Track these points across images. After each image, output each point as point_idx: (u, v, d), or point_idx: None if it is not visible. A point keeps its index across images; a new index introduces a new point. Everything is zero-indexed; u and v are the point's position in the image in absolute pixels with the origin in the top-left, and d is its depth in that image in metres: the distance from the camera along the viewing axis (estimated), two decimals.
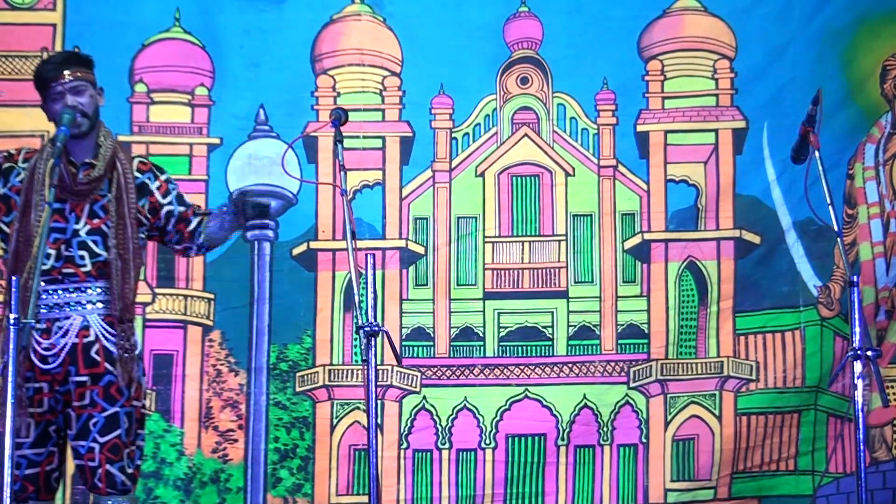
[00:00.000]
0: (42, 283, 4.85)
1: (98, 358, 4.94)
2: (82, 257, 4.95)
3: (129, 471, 4.97)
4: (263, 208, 5.19)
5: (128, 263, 4.97)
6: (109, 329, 4.96)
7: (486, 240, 7.23)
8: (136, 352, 5.03)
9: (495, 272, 7.21)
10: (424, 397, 7.09)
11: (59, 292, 4.93)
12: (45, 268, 4.87)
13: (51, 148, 4.91)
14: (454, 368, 7.13)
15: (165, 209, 5.16)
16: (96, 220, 4.99)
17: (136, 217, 5.04)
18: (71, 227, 4.95)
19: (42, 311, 4.89)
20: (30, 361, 4.85)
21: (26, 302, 4.51)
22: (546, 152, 7.28)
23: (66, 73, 4.97)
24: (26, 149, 5.13)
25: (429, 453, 7.08)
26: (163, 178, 5.19)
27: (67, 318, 4.94)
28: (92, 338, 4.95)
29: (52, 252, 4.91)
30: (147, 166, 5.19)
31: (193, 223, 5.23)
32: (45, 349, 4.90)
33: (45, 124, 6.55)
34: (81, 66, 5.04)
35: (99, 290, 4.97)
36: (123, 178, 5.03)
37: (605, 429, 7.10)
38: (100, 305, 4.97)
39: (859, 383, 5.20)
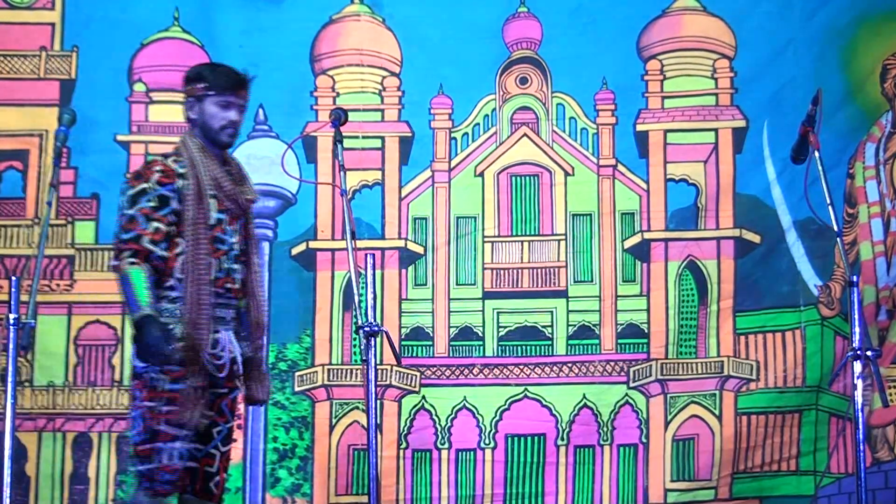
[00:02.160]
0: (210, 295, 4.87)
1: (239, 372, 4.99)
2: (235, 271, 4.97)
3: None
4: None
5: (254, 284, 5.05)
6: (239, 345, 5.00)
7: (486, 239, 7.22)
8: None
9: (495, 272, 7.21)
10: (424, 397, 7.09)
11: (222, 307, 4.92)
12: (210, 278, 4.86)
13: (199, 153, 4.89)
14: (453, 368, 7.12)
15: None
16: (238, 237, 5.00)
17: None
18: (229, 241, 4.96)
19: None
20: (209, 371, 4.86)
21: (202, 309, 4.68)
22: (545, 152, 7.28)
23: (246, 93, 5.03)
24: (162, 161, 4.95)
25: (428, 453, 7.07)
26: None
27: (219, 332, 4.92)
28: (236, 353, 4.96)
29: (214, 262, 4.89)
30: None
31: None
32: (217, 359, 4.89)
33: (42, 123, 6.54)
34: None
35: (236, 309, 5.00)
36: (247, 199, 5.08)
37: (604, 429, 7.09)
38: (235, 323, 4.99)
39: (859, 383, 5.20)
